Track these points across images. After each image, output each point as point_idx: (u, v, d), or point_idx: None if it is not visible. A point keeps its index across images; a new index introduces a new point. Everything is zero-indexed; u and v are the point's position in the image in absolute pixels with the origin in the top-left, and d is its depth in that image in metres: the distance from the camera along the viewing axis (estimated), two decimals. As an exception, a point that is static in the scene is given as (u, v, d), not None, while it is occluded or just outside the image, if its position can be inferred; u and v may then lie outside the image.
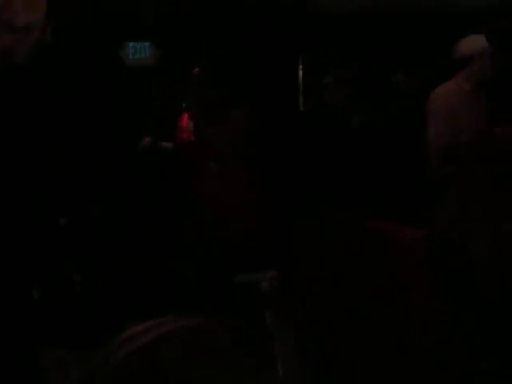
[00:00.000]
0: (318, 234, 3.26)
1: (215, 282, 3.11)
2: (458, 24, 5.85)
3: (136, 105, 4.76)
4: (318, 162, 5.74)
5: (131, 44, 5.93)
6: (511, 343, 3.20)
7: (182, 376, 1.29)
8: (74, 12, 4.82)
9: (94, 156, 2.86)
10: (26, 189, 2.11)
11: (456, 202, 3.89)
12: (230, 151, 3.46)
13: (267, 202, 3.62)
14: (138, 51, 5.99)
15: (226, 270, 3.18)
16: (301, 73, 6.73)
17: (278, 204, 4.34)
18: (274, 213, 3.66)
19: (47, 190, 2.20)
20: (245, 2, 5.52)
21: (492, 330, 3.31)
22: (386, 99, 5.87)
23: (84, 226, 3.13)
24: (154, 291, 3.34)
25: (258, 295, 2.92)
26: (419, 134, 4.69)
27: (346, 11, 6.00)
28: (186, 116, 4.65)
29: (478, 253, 3.69)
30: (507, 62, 4.30)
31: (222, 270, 3.20)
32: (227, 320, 2.13)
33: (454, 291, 3.57)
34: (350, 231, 3.22)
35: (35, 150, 2.12)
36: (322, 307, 3.08)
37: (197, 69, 3.57)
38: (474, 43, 4.15)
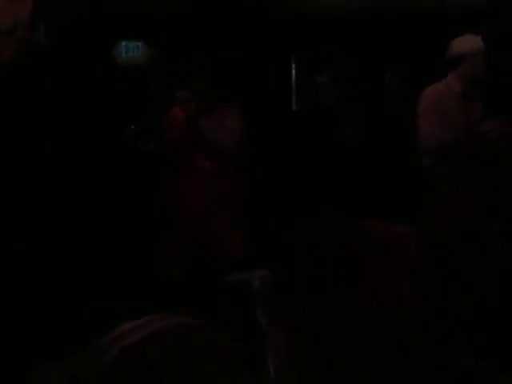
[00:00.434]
0: (315, 234, 3.26)
1: (203, 281, 3.10)
2: (449, 25, 5.89)
3: (127, 103, 4.74)
4: (311, 161, 5.75)
5: (124, 43, 5.93)
6: (510, 343, 3.21)
7: (173, 374, 1.29)
8: (68, 11, 4.79)
9: (87, 156, 2.83)
10: (24, 189, 2.08)
11: (447, 201, 3.90)
12: (227, 149, 3.43)
13: (256, 207, 3.63)
14: (130, 50, 5.98)
15: (213, 270, 3.17)
16: (294, 72, 6.74)
17: (273, 204, 4.34)
18: (270, 213, 3.66)
19: (46, 190, 2.17)
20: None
21: (491, 330, 3.32)
22: (379, 99, 5.88)
23: (75, 224, 3.11)
24: (142, 290, 3.33)
25: (248, 294, 2.91)
26: (411, 134, 4.70)
27: (338, 11, 6.00)
28: (175, 112, 4.39)
29: (468, 253, 3.71)
30: (499, 62, 4.32)
31: (210, 270, 3.19)
32: (216, 318, 2.12)
33: (447, 289, 3.59)
34: (345, 231, 3.22)
35: (31, 151, 2.10)
36: (321, 306, 3.08)
37: (194, 67, 3.51)
38: (467, 43, 4.16)
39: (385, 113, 5.74)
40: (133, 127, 3.75)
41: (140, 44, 5.89)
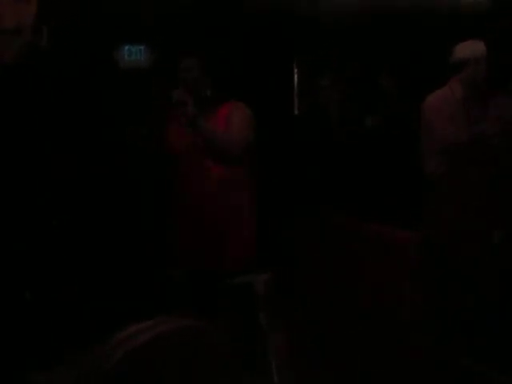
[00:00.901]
0: (316, 235, 3.26)
1: (204, 283, 3.07)
2: (444, 29, 5.91)
3: (129, 105, 4.73)
4: (312, 164, 5.76)
5: (127, 47, 5.95)
6: (510, 343, 3.21)
7: (176, 376, 1.29)
8: (70, 15, 4.81)
9: (90, 157, 2.84)
10: (23, 190, 2.09)
11: (447, 203, 3.92)
12: (229, 151, 3.23)
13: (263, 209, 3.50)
14: (133, 54, 6.00)
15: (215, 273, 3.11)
16: (296, 76, 6.76)
17: (275, 205, 4.34)
18: (272, 214, 3.65)
19: (45, 190, 2.18)
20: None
21: (491, 330, 3.32)
22: (380, 102, 5.89)
23: (75, 227, 3.10)
24: (143, 292, 3.32)
25: (251, 297, 2.90)
26: (410, 136, 4.71)
27: (338, 14, 6.03)
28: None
29: (468, 253, 3.72)
30: (501, 67, 4.33)
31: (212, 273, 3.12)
32: (216, 319, 2.13)
33: (447, 289, 3.59)
34: (346, 233, 3.23)
35: (32, 151, 2.11)
36: (321, 307, 3.09)
37: (194, 61, 3.33)
38: (470, 48, 4.18)
39: (383, 114, 5.75)
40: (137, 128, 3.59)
41: (143, 48, 5.91)
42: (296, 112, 6.62)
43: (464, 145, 3.98)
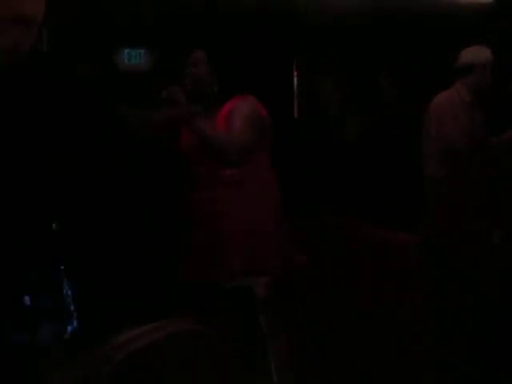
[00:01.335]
0: (316, 235, 3.26)
1: (205, 287, 3.03)
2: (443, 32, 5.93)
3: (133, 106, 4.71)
4: (312, 165, 5.77)
5: (126, 50, 5.97)
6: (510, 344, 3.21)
7: (177, 378, 1.29)
8: (70, 18, 4.83)
9: (92, 157, 2.83)
10: (23, 190, 2.09)
11: (447, 203, 3.93)
12: (226, 153, 3.04)
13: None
14: (133, 57, 6.01)
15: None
16: (295, 77, 6.77)
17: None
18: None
19: (45, 190, 2.18)
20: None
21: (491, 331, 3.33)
22: (380, 102, 5.90)
23: (76, 229, 3.09)
24: (144, 295, 3.32)
25: (252, 299, 2.89)
26: (410, 137, 4.72)
27: (339, 14, 6.04)
28: None
29: (468, 253, 3.73)
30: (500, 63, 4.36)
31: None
32: (217, 322, 2.12)
33: (447, 289, 3.60)
34: (346, 236, 3.23)
35: (34, 151, 2.11)
36: (322, 307, 3.09)
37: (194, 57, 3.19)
38: (476, 54, 4.21)
39: (383, 114, 5.75)
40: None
41: (142, 51, 5.93)
42: (296, 114, 6.64)
43: (472, 147, 4.01)
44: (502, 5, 5.69)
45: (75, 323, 2.14)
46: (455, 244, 3.74)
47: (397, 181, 4.91)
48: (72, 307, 2.15)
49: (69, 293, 2.17)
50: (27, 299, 2.09)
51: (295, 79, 6.82)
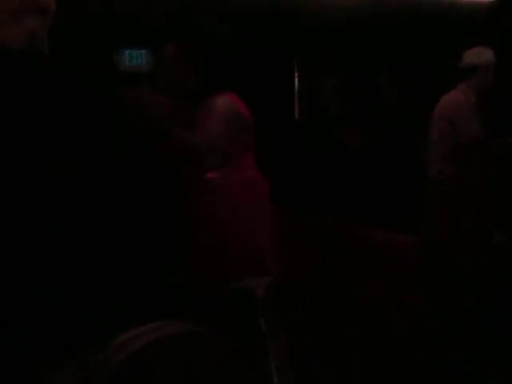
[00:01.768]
0: (316, 236, 3.27)
1: (204, 288, 3.03)
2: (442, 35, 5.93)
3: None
4: (313, 167, 5.77)
5: (128, 51, 5.97)
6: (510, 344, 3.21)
7: (177, 379, 1.29)
8: (70, 17, 4.83)
9: (92, 157, 2.83)
10: (24, 190, 2.09)
11: (448, 203, 3.93)
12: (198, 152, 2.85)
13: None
14: (134, 58, 6.02)
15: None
16: (296, 80, 6.77)
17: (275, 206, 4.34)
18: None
19: (45, 190, 2.17)
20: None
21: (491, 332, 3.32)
22: (380, 102, 5.91)
23: (77, 228, 3.07)
24: (143, 297, 3.31)
25: (252, 300, 2.88)
26: (409, 139, 4.73)
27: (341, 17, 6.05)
28: None
29: (468, 253, 3.73)
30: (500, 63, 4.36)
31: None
32: (217, 323, 2.12)
33: (447, 289, 3.60)
34: (345, 236, 3.23)
35: (33, 151, 2.11)
36: (322, 307, 3.09)
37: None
38: (479, 55, 4.23)
39: (383, 114, 5.77)
40: None
41: (144, 52, 5.94)
42: (297, 114, 6.64)
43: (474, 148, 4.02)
44: (502, 5, 5.70)
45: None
46: (455, 244, 3.74)
47: (397, 181, 4.92)
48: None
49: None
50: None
51: (296, 80, 6.83)
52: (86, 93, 2.28)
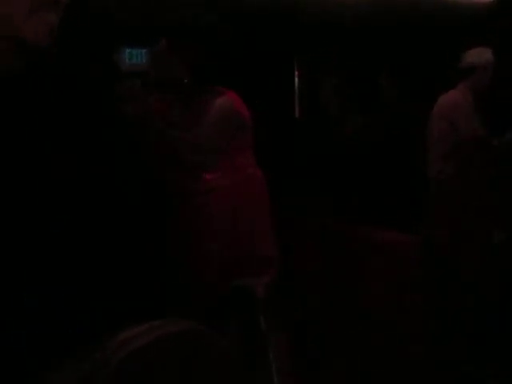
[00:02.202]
0: (316, 236, 3.27)
1: (205, 287, 3.03)
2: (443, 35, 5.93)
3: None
4: (313, 167, 5.77)
5: (128, 50, 5.96)
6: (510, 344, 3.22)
7: (177, 378, 1.29)
8: (70, 18, 4.82)
9: (92, 157, 2.83)
10: (24, 190, 2.09)
11: (448, 203, 3.94)
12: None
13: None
14: (134, 57, 6.01)
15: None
16: (296, 80, 6.77)
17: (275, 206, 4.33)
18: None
19: (45, 190, 2.17)
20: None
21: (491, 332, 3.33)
22: (380, 102, 5.91)
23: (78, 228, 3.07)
24: (143, 297, 3.31)
25: (252, 299, 2.89)
26: (409, 139, 4.73)
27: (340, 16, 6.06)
28: None
29: (468, 253, 3.74)
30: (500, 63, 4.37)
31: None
32: (217, 324, 2.12)
33: (447, 290, 3.60)
34: (345, 236, 3.23)
35: (33, 151, 2.11)
36: (322, 307, 3.09)
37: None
38: (478, 55, 4.24)
39: (383, 114, 5.76)
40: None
41: (144, 51, 5.92)
42: (297, 114, 6.65)
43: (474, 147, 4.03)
44: (502, 5, 5.71)
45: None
46: (455, 244, 3.74)
47: (397, 181, 4.92)
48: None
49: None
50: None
51: (296, 79, 6.83)
52: (86, 92, 2.28)
